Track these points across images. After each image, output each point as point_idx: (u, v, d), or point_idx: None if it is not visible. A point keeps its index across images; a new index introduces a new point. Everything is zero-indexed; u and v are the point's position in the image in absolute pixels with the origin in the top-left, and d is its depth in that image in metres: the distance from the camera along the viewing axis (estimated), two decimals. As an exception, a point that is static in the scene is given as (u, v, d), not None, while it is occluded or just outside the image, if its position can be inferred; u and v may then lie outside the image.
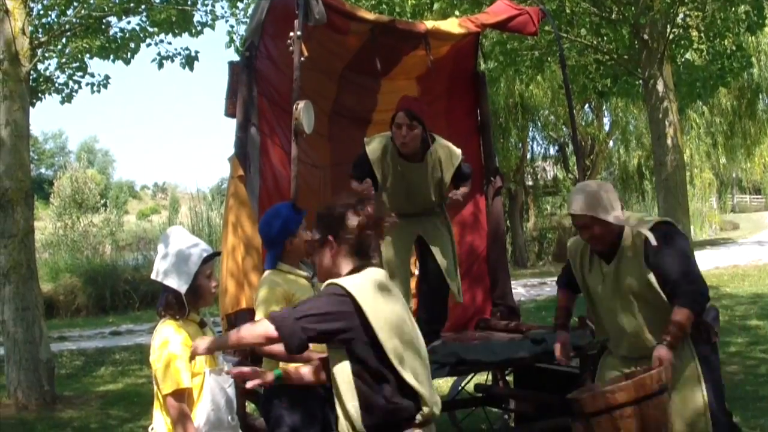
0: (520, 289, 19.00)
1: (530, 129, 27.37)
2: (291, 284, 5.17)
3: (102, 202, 29.18)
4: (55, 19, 10.99)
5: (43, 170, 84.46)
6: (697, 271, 4.61)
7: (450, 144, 6.47)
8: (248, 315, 5.60)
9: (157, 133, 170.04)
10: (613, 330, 4.87)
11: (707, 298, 4.57)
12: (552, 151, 29.79)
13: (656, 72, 10.01)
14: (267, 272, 5.15)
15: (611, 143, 28.53)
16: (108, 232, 26.64)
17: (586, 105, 26.29)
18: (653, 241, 4.55)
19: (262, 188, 6.54)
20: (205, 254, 4.13)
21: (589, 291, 4.93)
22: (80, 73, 11.58)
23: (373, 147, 6.35)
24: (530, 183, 30.27)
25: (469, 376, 7.82)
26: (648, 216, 4.80)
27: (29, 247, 9.75)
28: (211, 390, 4.06)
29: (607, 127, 27.93)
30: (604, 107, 26.51)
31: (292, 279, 5.22)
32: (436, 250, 6.33)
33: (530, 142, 28.39)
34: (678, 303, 4.47)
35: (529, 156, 28.60)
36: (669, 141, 9.90)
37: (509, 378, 7.87)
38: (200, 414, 4.01)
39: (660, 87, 10.00)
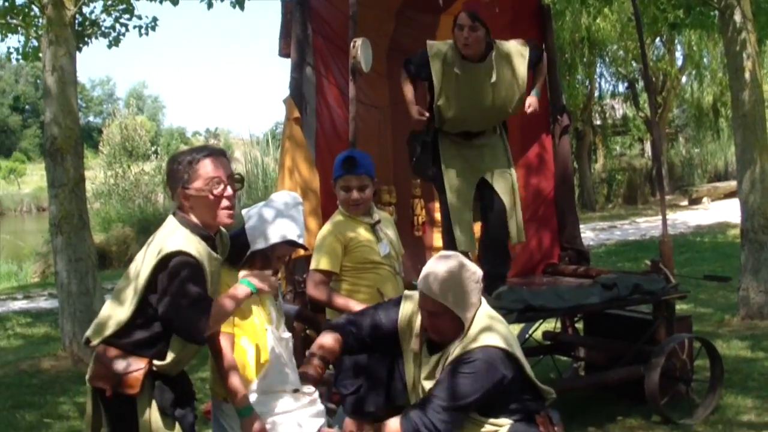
0: (588, 234, 18.89)
1: (598, 65, 26.97)
2: (350, 229, 5.21)
3: (153, 149, 29.43)
4: (100, -41, 11.02)
5: (91, 118, 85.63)
6: (459, 407, 3.95)
7: (513, 41, 6.33)
8: (306, 263, 5.65)
9: (207, 77, 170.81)
10: None
11: (431, 429, 3.95)
12: (621, 88, 29.38)
13: (733, 1, 9.77)
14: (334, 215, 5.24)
15: (684, 79, 28.05)
16: (160, 180, 26.77)
17: (657, 38, 25.82)
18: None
19: (319, 130, 6.55)
20: (294, 238, 4.17)
21: (411, 365, 4.38)
22: (127, 16, 11.59)
23: (435, 51, 6.21)
24: (598, 122, 29.88)
25: (537, 323, 7.82)
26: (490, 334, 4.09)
27: (80, 197, 9.85)
28: (272, 346, 4.10)
29: (679, 62, 27.44)
30: (676, 40, 26.04)
31: (352, 224, 5.25)
32: (499, 188, 6.27)
33: (598, 79, 28.01)
34: (400, 421, 4.04)
35: (596, 94, 28.22)
36: (747, 75, 9.68)
37: (578, 325, 7.85)
38: (259, 369, 4.05)
39: (737, 17, 9.76)
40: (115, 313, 3.74)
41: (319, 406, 4.17)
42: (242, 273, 4.10)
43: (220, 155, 3.88)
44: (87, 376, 3.81)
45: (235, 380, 3.97)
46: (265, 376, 4.05)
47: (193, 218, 3.82)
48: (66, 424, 7.31)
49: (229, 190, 3.86)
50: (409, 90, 6.28)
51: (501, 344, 3.98)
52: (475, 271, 4.07)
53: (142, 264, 3.72)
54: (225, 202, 3.86)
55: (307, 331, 6.05)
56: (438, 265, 4.05)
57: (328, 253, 5.23)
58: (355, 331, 4.37)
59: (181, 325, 3.69)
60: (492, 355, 3.95)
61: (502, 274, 6.43)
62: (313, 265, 5.30)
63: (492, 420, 4.04)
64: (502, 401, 4.02)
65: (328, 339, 4.35)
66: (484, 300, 4.18)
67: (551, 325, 8.19)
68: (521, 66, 6.19)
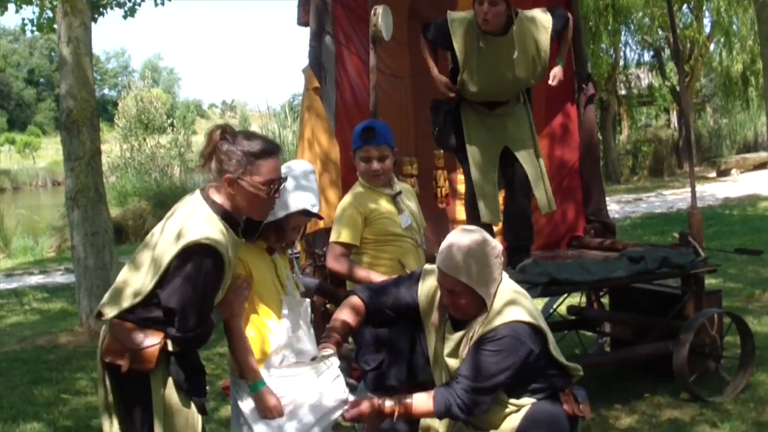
0: (613, 206, 18.82)
1: (623, 33, 26.71)
2: (371, 201, 5.19)
3: (169, 122, 29.34)
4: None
5: (106, 91, 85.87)
6: (489, 388, 3.95)
7: (536, 10, 6.25)
8: (326, 236, 5.64)
9: (224, 49, 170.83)
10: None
11: (464, 410, 3.99)
12: (647, 56, 29.17)
13: (764, -36, 9.65)
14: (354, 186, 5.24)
15: (712, 47, 27.77)
16: (176, 153, 26.87)
17: (684, 5, 25.59)
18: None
19: (339, 100, 6.52)
20: (308, 207, 4.15)
21: (426, 333, 4.41)
22: (142, -15, 11.62)
23: (456, 22, 6.13)
24: (623, 92, 29.67)
25: (562, 298, 7.79)
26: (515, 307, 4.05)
27: (96, 170, 9.88)
28: (287, 316, 4.09)
29: (707, 29, 27.15)
30: (704, 6, 25.78)
31: (372, 195, 5.23)
32: (522, 157, 6.23)
33: (623, 48, 27.78)
34: (433, 397, 4.04)
35: (621, 63, 28.00)
36: (778, 42, 9.58)
37: (604, 300, 7.83)
38: (276, 341, 4.04)
39: (769, -19, 9.65)
40: (132, 285, 3.71)
41: (338, 375, 4.14)
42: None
43: (278, 154, 3.87)
44: (99, 351, 3.79)
45: (244, 355, 3.96)
46: (282, 347, 4.03)
47: (226, 203, 3.78)
48: (83, 399, 7.35)
49: (278, 193, 3.86)
50: (431, 61, 6.22)
51: (526, 318, 3.95)
52: (495, 246, 4.04)
53: (162, 241, 3.67)
54: (272, 203, 3.86)
55: (327, 305, 6.04)
56: (456, 242, 4.01)
57: (349, 225, 5.21)
58: (376, 302, 4.36)
59: (182, 323, 3.63)
60: (517, 329, 3.93)
61: (526, 246, 6.40)
62: (333, 238, 5.29)
63: (513, 400, 4.04)
64: (527, 378, 4.01)
65: (349, 308, 4.37)
66: (505, 275, 4.15)
67: (576, 299, 8.17)
68: (544, 37, 6.12)
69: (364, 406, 4.01)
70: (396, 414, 4.02)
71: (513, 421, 4.03)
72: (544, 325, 4.05)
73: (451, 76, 6.24)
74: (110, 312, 3.73)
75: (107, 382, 3.81)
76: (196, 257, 3.57)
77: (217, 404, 6.82)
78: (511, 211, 6.40)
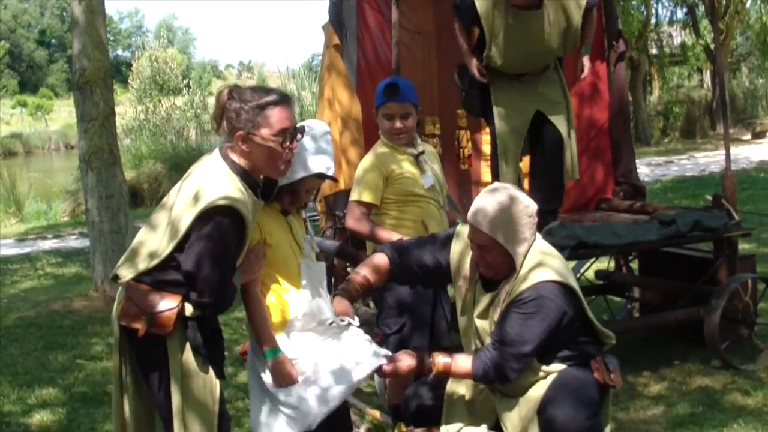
0: (643, 169, 18.74)
1: (655, -11, 26.52)
2: (393, 160, 5.19)
3: (184, 83, 29.27)
4: None
5: (119, 52, 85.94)
6: (527, 354, 3.95)
7: None
8: (346, 197, 5.64)
9: (240, 7, 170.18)
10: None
11: (501, 376, 4.00)
12: (680, 13, 28.91)
13: None
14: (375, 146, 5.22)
15: (749, 3, 27.46)
16: (192, 115, 26.83)
17: (720, -41, 25.31)
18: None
19: (360, 58, 6.51)
20: (323, 170, 4.15)
21: (464, 304, 4.32)
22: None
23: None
24: (654, 51, 29.45)
25: (590, 262, 7.79)
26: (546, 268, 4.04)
27: (111, 131, 9.89)
28: (306, 280, 4.10)
29: (743, -15, 26.88)
30: (740, -39, 25.50)
31: (394, 155, 5.23)
32: (556, 120, 6.19)
33: (654, 5, 27.57)
34: (472, 359, 4.07)
35: (653, 20, 27.77)
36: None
37: (633, 264, 7.81)
38: (296, 305, 4.06)
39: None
40: (148, 247, 3.72)
41: (359, 336, 4.14)
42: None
43: (289, 103, 3.85)
44: (114, 314, 3.81)
45: (260, 321, 3.97)
46: (302, 311, 4.05)
47: (243, 162, 3.79)
48: (98, 365, 7.42)
49: (294, 143, 3.85)
50: (465, 40, 6.17)
51: (556, 278, 3.95)
52: (528, 205, 4.02)
53: (180, 203, 3.68)
54: (288, 155, 3.85)
55: (348, 269, 6.06)
56: (489, 198, 4.01)
57: (369, 185, 5.21)
58: (403, 259, 4.37)
59: (204, 288, 3.65)
60: (549, 290, 3.93)
61: (554, 209, 6.39)
62: (353, 197, 5.29)
63: (543, 367, 4.05)
64: (560, 342, 4.02)
65: (371, 265, 4.38)
66: (538, 235, 4.14)
67: (604, 264, 8.16)
68: (576, 13, 6.04)
69: (404, 363, 4.05)
70: (434, 373, 4.08)
71: (540, 387, 4.04)
72: (576, 285, 4.05)
73: (478, 50, 6.19)
74: (126, 274, 3.75)
75: (123, 347, 3.84)
76: (216, 219, 3.58)
77: (235, 369, 6.87)
78: (542, 174, 6.37)
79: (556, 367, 4.04)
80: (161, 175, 21.15)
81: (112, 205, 9.76)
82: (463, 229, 4.31)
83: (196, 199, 3.62)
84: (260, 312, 3.98)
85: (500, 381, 4.01)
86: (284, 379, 3.96)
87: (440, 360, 4.06)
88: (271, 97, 3.78)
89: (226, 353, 4.02)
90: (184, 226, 3.61)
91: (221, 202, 3.57)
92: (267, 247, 4.00)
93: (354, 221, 5.25)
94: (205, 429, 3.75)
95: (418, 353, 4.12)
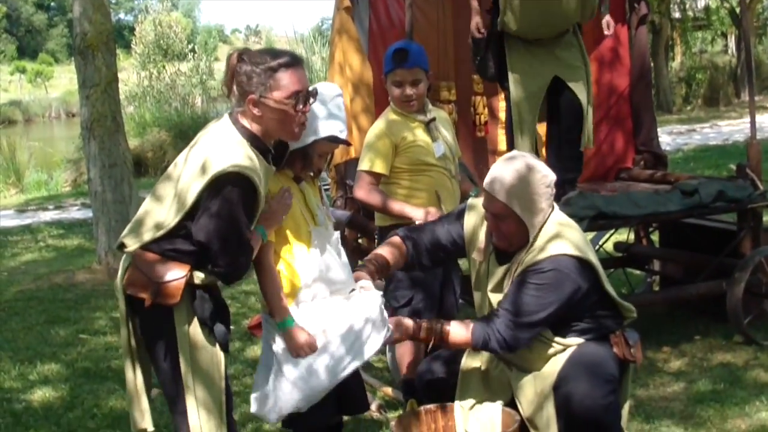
0: (665, 137, 18.69)
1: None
2: (403, 128, 5.17)
3: (189, 48, 29.20)
4: None
5: (122, 15, 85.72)
6: (531, 323, 3.94)
7: None
8: (357, 165, 5.63)
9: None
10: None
11: (505, 344, 3.97)
12: (704, -25, 28.70)
13: None
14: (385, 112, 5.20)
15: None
16: (197, 81, 26.80)
17: None
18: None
19: (372, 20, 6.48)
20: (336, 133, 4.15)
21: (478, 278, 4.35)
22: None
23: None
24: (677, 15, 29.28)
25: (609, 234, 7.78)
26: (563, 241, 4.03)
27: (113, 97, 9.89)
28: (318, 248, 4.10)
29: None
30: None
31: (405, 122, 5.22)
32: (574, 86, 6.16)
33: (677, -35, 27.38)
34: (473, 327, 4.04)
35: (675, -18, 27.61)
36: None
37: (654, 236, 7.81)
38: (305, 274, 4.06)
39: None
40: (154, 218, 3.72)
41: (374, 306, 4.14)
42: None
43: (302, 65, 3.85)
44: (120, 283, 3.82)
45: (273, 291, 3.98)
46: (313, 281, 4.05)
47: (254, 127, 3.78)
48: (102, 339, 7.46)
49: (307, 106, 3.85)
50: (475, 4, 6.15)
51: (573, 251, 3.95)
52: (546, 174, 4.02)
53: (187, 172, 3.67)
54: (302, 118, 3.85)
55: (359, 240, 6.08)
56: (506, 167, 4.01)
57: (379, 154, 5.18)
58: (417, 240, 4.37)
59: (218, 258, 3.66)
60: (564, 263, 3.93)
61: (572, 179, 6.37)
62: (361, 166, 5.26)
63: (559, 339, 4.05)
64: (574, 316, 4.02)
65: (390, 246, 4.39)
66: (556, 207, 4.14)
67: (624, 235, 8.15)
68: None
69: (398, 330, 4.07)
70: (432, 341, 4.09)
71: (557, 362, 4.05)
72: (594, 259, 4.05)
73: (494, 14, 6.15)
74: (132, 244, 3.75)
75: (129, 318, 3.85)
76: (227, 188, 3.57)
77: (242, 344, 6.90)
78: (560, 142, 6.34)
79: (574, 340, 4.04)
80: (166, 144, 21.16)
81: (115, 175, 9.77)
82: (477, 202, 4.33)
83: (204, 167, 3.61)
84: (273, 282, 3.98)
85: (501, 351, 4.00)
86: (301, 349, 3.96)
87: (436, 329, 4.06)
88: (283, 59, 3.78)
89: (233, 327, 4.03)
90: (192, 196, 3.61)
91: (231, 170, 3.56)
92: (292, 194, 4.02)
93: (362, 192, 5.22)
94: (212, 404, 3.76)
95: (414, 321, 4.12)
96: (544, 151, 6.58)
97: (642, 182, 7.32)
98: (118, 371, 6.42)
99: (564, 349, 4.05)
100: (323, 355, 3.98)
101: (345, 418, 4.62)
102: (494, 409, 4.17)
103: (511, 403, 4.18)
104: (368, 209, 5.48)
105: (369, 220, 5.56)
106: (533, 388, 4.09)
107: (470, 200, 4.45)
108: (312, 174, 4.25)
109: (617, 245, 7.81)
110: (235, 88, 3.78)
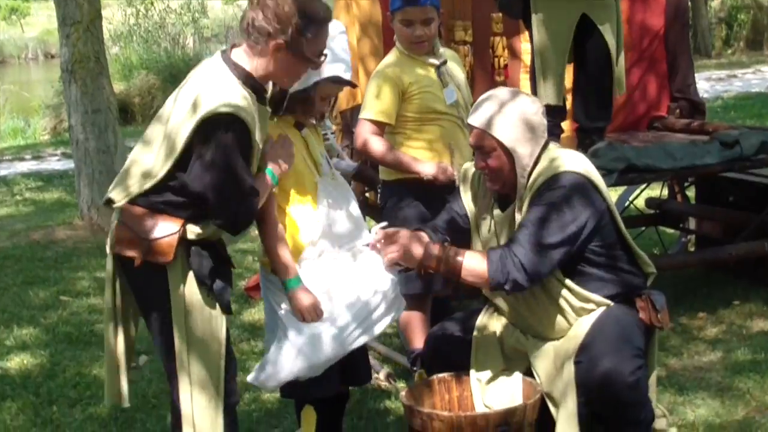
0: (702, 84, 18.57)
1: None
2: (411, 72, 5.14)
3: (179, -18, 29.20)
4: None
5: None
6: (543, 248, 3.89)
7: None
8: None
9: None
10: (498, 296, 4.38)
11: (517, 284, 3.90)
12: None
13: None
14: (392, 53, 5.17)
15: None
16: (189, 19, 26.67)
17: None
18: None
19: (382, -49, 6.43)
20: (339, 73, 4.13)
21: (479, 235, 4.39)
22: None
23: None
24: (718, -52, 29.08)
25: (640, 189, 7.77)
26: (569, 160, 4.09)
27: (96, 36, 9.83)
28: (324, 201, 4.10)
29: None
30: None
31: (413, 65, 5.18)
32: (603, 27, 6.12)
33: None
34: (487, 259, 3.95)
35: None
36: None
37: (689, 191, 7.79)
38: (311, 229, 4.06)
39: None
40: (142, 166, 3.71)
41: (386, 281, 4.15)
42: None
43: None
44: (108, 242, 3.82)
45: (277, 247, 3.97)
46: (319, 237, 4.05)
47: (251, 66, 3.74)
48: (85, 301, 7.49)
49: (322, 58, 3.87)
50: None
51: (581, 171, 4.00)
52: (533, 100, 4.11)
53: (176, 113, 3.65)
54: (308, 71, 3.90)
55: (367, 194, 6.07)
56: (488, 96, 4.10)
57: (384, 100, 5.12)
58: (436, 229, 4.36)
59: (218, 209, 3.66)
60: (573, 180, 3.97)
61: (600, 127, 6.35)
62: (363, 115, 5.20)
63: (579, 290, 4.05)
64: (594, 257, 4.04)
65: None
66: (555, 144, 4.18)
67: (656, 191, 8.14)
68: None
69: (406, 258, 3.99)
70: (441, 269, 4.00)
71: (578, 330, 4.06)
72: (606, 191, 4.09)
73: None
74: (119, 198, 3.74)
75: (117, 279, 3.85)
76: (219, 131, 3.56)
77: (239, 307, 6.92)
78: (586, 87, 6.31)
79: (597, 298, 4.07)
80: (154, 88, 21.07)
81: (98, 122, 9.75)
82: (468, 167, 4.41)
83: (195, 106, 3.60)
84: (277, 237, 3.98)
85: (522, 280, 3.88)
86: (307, 312, 3.98)
87: (447, 257, 3.97)
88: (327, 13, 3.82)
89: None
90: (182, 139, 3.60)
91: (224, 110, 3.55)
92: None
93: (364, 142, 5.16)
94: (210, 372, 3.76)
95: (426, 242, 4.03)
96: (570, 97, 6.55)
97: (677, 132, 7.29)
98: (103, 336, 6.43)
99: (586, 313, 4.06)
100: (331, 326, 3.99)
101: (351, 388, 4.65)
102: (514, 380, 4.20)
103: (528, 373, 4.20)
104: (372, 161, 5.45)
105: (378, 172, 5.53)
106: (551, 358, 4.11)
107: (462, 169, 4.51)
108: (314, 120, 4.24)
109: (649, 201, 7.81)
110: (260, 21, 3.70)
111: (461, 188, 4.42)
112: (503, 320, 4.35)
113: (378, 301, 4.09)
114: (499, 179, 4.09)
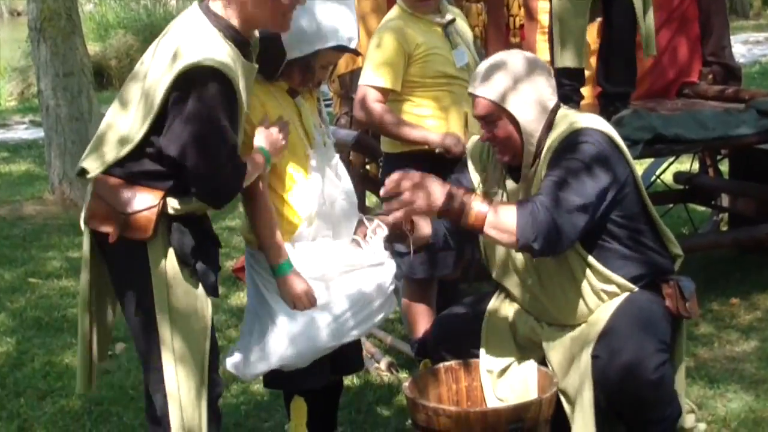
0: (738, 48, 18.53)
1: None
2: (417, 32, 5.12)
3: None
4: None
5: None
6: (574, 204, 3.82)
7: None
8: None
9: None
10: (510, 278, 4.38)
11: (549, 242, 3.77)
12: None
13: None
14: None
15: None
16: (170, -27, 26.78)
17: None
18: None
19: None
20: (343, 42, 4.11)
21: None
22: None
23: None
24: None
25: (668, 161, 7.77)
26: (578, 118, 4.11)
27: (68, -9, 9.86)
28: (317, 175, 4.10)
29: None
30: None
31: (418, 25, 5.17)
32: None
33: None
34: (514, 208, 3.82)
35: None
36: None
37: (722, 165, 7.79)
38: (304, 207, 4.07)
39: None
40: (118, 130, 3.68)
41: (388, 275, 4.17)
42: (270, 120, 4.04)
43: None
44: (83, 217, 3.81)
45: (267, 228, 3.97)
46: (313, 215, 4.05)
47: (231, 15, 3.72)
48: (56, 283, 7.51)
49: None
50: None
51: (603, 129, 4.02)
52: (535, 60, 4.11)
53: (154, 69, 3.62)
54: (294, 2, 3.81)
55: (367, 166, 6.07)
56: (498, 63, 4.07)
57: (386, 63, 5.08)
58: None
59: (197, 174, 3.61)
60: (595, 140, 3.96)
61: (625, 93, 6.36)
62: (364, 80, 5.18)
63: (608, 272, 4.05)
64: (617, 230, 4.04)
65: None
66: (571, 109, 4.19)
67: (686, 164, 8.14)
68: None
69: (429, 189, 3.81)
70: (464, 217, 3.81)
71: (598, 318, 4.07)
72: (629, 156, 4.12)
73: None
74: (94, 167, 3.72)
75: (94, 259, 3.84)
76: (200, 85, 3.52)
77: (226, 290, 6.94)
78: (610, 49, 6.32)
79: (619, 279, 4.07)
80: (133, 49, 21.03)
81: (71, 86, 9.75)
82: (472, 140, 4.45)
83: (173, 60, 3.57)
84: (267, 216, 3.98)
85: (557, 235, 3.78)
86: (299, 300, 3.98)
87: (477, 200, 3.83)
88: None
89: (215, 268, 4.02)
90: (159, 95, 3.56)
91: (205, 63, 3.52)
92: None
93: (365, 111, 5.14)
94: (193, 359, 3.75)
95: (450, 187, 3.90)
96: (593, 61, 6.55)
97: (710, 100, 7.27)
98: (75, 321, 6.41)
99: (608, 297, 4.08)
100: (327, 315, 4.01)
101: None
102: (528, 369, 4.20)
103: (543, 363, 4.21)
104: (374, 131, 5.44)
105: (379, 142, 5.53)
106: (568, 348, 4.12)
107: (468, 144, 4.54)
108: (310, 86, 4.24)
109: (678, 176, 7.81)
110: None
111: (469, 161, 4.43)
112: (516, 306, 4.36)
113: (376, 293, 4.13)
114: (509, 149, 4.09)
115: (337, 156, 4.28)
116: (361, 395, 5.26)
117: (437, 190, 3.79)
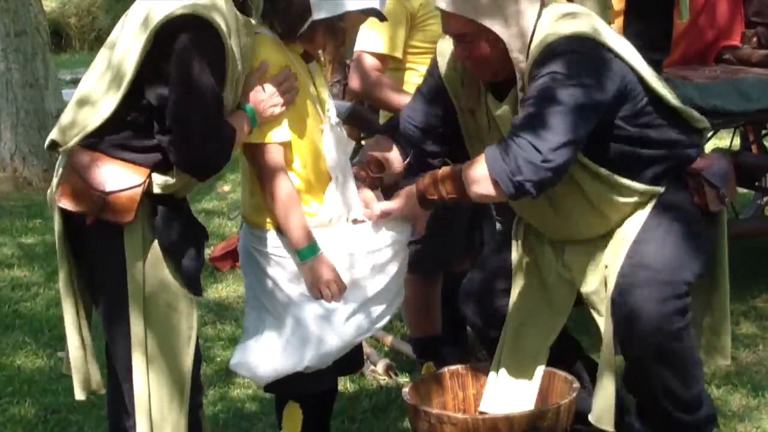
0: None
1: None
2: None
3: None
4: None
5: None
6: (558, 134, 3.76)
7: None
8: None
9: None
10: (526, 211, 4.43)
11: (517, 187, 3.75)
12: None
13: None
14: None
15: None
16: None
17: None
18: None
19: None
20: (374, 4, 4.12)
21: (469, 134, 4.39)
22: None
23: None
24: None
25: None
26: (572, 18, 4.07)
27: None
28: (334, 152, 4.09)
29: None
30: None
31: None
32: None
33: None
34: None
35: None
36: None
37: (767, 141, 7.79)
38: (322, 181, 4.07)
39: None
40: (92, 97, 3.64)
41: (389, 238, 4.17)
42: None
43: None
44: (51, 194, 3.76)
45: (290, 208, 3.96)
46: (330, 198, 4.04)
47: None
48: (7, 274, 7.52)
49: None
50: None
51: (586, 30, 3.96)
52: None
53: (128, 28, 3.60)
54: None
55: (363, 141, 6.06)
56: None
57: (385, 27, 5.09)
58: (412, 121, 4.39)
59: (178, 132, 3.57)
60: (578, 43, 3.92)
61: (657, 60, 6.33)
62: (361, 46, 5.20)
63: (626, 182, 4.05)
64: (627, 123, 4.04)
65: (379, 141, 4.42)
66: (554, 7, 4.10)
67: (725, 140, 8.14)
68: None
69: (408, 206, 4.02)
70: (445, 192, 3.95)
71: (628, 231, 4.10)
72: (624, 50, 4.06)
73: None
74: (67, 138, 3.68)
75: (61, 240, 3.77)
76: (179, 37, 3.50)
77: (203, 282, 6.87)
78: (641, 12, 6.31)
79: (640, 187, 4.08)
80: (95, 6, 21.03)
81: (24, 47, 9.74)
82: (444, 43, 4.34)
83: (147, 18, 3.56)
84: (285, 192, 3.95)
85: (539, 175, 3.75)
86: (327, 287, 3.98)
87: (447, 171, 3.95)
88: None
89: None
90: (133, 58, 3.54)
91: (180, 11, 3.49)
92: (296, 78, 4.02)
93: (362, 80, 5.17)
94: (172, 368, 3.75)
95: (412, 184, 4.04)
96: (618, 22, 6.54)
97: (753, 66, 7.25)
98: (29, 318, 6.47)
99: (632, 209, 4.11)
100: (351, 305, 4.03)
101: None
102: (542, 374, 4.21)
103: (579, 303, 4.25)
104: (371, 103, 5.43)
105: (376, 113, 5.52)
106: (591, 257, 4.17)
107: (438, 45, 4.44)
108: (334, 53, 4.23)
109: (717, 153, 7.80)
110: None
111: (438, 60, 4.38)
112: (537, 246, 4.38)
113: (395, 279, 4.16)
114: (489, 66, 4.07)
115: (344, 129, 4.28)
116: (355, 402, 5.26)
117: (410, 200, 4.04)
